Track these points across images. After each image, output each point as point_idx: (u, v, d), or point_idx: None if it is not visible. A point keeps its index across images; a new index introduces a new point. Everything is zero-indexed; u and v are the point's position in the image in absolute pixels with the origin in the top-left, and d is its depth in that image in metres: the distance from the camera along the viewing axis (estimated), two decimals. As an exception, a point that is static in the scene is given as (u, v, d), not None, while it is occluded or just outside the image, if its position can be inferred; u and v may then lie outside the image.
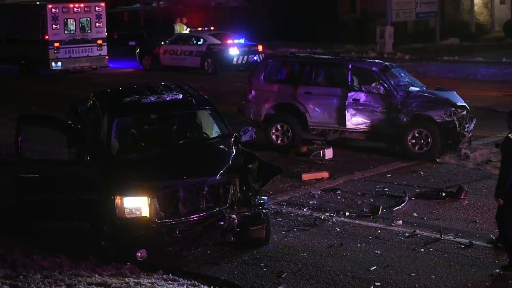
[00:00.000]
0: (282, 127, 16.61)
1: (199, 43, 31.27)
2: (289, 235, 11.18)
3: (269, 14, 45.82)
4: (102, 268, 9.60)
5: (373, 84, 16.03)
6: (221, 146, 10.93)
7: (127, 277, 9.30)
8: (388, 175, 14.46)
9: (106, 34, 31.25)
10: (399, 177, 14.32)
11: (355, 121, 15.97)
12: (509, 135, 9.35)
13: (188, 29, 34.94)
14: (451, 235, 10.90)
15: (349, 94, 15.99)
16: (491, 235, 10.75)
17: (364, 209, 12.32)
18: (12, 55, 30.64)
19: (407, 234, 11.03)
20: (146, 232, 9.77)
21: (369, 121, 15.86)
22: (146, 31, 39.52)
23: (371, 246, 10.63)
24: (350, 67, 16.27)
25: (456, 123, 15.30)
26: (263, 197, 10.75)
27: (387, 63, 16.85)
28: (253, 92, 17.12)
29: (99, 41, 30.78)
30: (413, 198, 12.84)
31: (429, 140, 15.33)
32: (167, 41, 32.34)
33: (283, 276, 9.63)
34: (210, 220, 9.98)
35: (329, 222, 11.73)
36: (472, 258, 10.07)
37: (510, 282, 9.31)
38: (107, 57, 31.30)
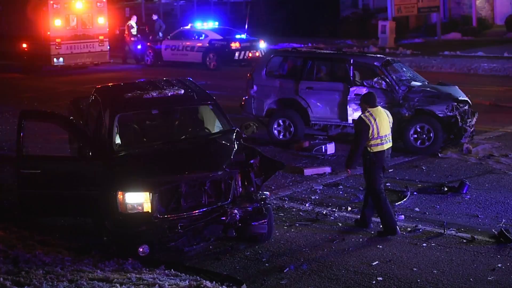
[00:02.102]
0: (284, 122, 16.60)
1: (200, 38, 31.26)
2: (291, 230, 11.17)
3: (270, 9, 45.82)
4: (104, 263, 9.59)
5: (375, 79, 16.03)
6: (223, 141, 10.92)
7: (129, 273, 9.29)
8: (390, 170, 14.41)
9: (107, 29, 31.22)
10: (401, 172, 14.31)
11: (357, 116, 15.93)
12: (361, 115, 10.67)
13: (134, 24, 34.65)
14: (453, 230, 10.89)
15: (351, 89, 15.97)
16: (493, 230, 10.75)
17: (366, 204, 12.30)
18: (14, 50, 30.61)
19: (409, 229, 11.02)
20: (148, 228, 9.74)
21: (371, 116, 15.83)
22: (148, 26, 39.52)
23: (373, 241, 10.63)
24: (352, 62, 16.24)
25: (458, 117, 15.30)
26: (265, 192, 10.73)
27: (389, 58, 16.81)
28: (255, 87, 17.10)
29: (101, 37, 30.74)
30: (415, 193, 12.83)
31: (431, 135, 15.33)
32: (169, 37, 32.32)
33: (285, 271, 9.63)
34: (212, 215, 9.96)
35: (331, 217, 11.72)
36: (474, 253, 10.06)
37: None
38: (108, 53, 31.28)
